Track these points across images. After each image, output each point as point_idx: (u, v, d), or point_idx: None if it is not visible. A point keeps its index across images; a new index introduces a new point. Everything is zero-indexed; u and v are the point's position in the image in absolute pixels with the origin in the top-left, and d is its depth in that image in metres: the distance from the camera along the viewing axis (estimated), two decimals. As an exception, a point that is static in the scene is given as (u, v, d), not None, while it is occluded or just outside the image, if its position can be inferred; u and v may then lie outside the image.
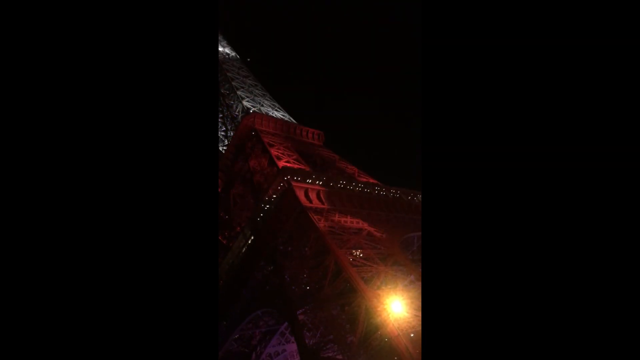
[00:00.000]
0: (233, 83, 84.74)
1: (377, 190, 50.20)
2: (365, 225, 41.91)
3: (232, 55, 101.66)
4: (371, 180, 58.42)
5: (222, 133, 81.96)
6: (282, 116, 77.86)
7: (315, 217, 38.86)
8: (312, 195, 41.83)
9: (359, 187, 48.26)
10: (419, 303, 30.26)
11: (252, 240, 46.66)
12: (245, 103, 77.67)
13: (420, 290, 31.91)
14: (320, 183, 44.38)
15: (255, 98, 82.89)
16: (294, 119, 79.13)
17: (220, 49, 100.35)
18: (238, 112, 77.97)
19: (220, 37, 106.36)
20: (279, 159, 56.24)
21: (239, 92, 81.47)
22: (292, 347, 55.97)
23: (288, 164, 53.29)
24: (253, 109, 75.42)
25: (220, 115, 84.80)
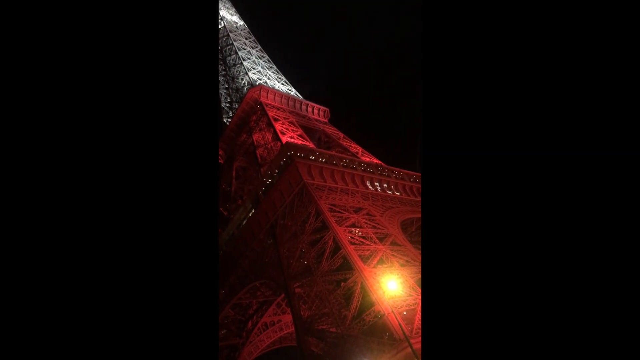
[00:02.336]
0: (239, 53, 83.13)
1: (379, 170, 50.20)
2: (366, 205, 42.20)
3: (240, 25, 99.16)
4: (374, 161, 58.35)
5: (227, 104, 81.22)
6: (288, 90, 76.83)
7: (316, 193, 39.10)
8: (315, 172, 41.92)
9: (362, 166, 48.24)
10: (414, 282, 30.89)
11: (252, 213, 47.15)
12: (251, 75, 76.47)
13: (415, 270, 32.51)
14: (324, 160, 44.36)
15: (262, 70, 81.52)
16: (299, 94, 78.09)
17: (228, 17, 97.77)
18: (244, 83, 76.90)
19: (228, 5, 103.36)
20: (283, 133, 55.99)
21: (245, 64, 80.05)
22: (288, 317, 57.69)
23: (292, 140, 53.08)
24: (259, 81, 74.33)
25: (226, 86, 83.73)
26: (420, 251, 36.96)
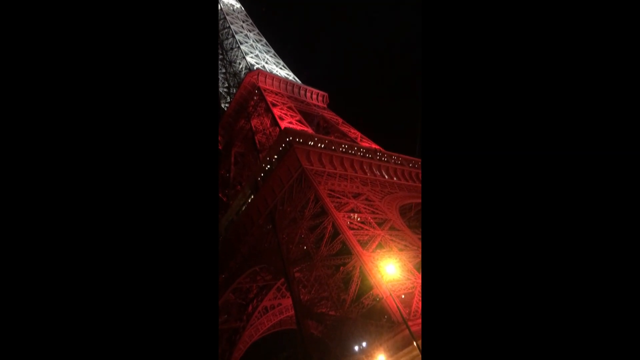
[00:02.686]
0: (237, 37, 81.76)
1: (378, 155, 50.15)
2: (365, 190, 42.32)
3: (237, 7, 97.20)
4: (373, 146, 58.20)
5: (225, 89, 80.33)
6: (286, 75, 75.95)
7: (315, 179, 39.13)
8: (314, 158, 41.86)
9: (361, 151, 48.16)
10: (412, 266, 31.27)
11: (251, 199, 47.27)
12: (248, 59, 75.40)
13: (413, 254, 32.86)
14: (322, 146, 44.23)
15: (259, 54, 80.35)
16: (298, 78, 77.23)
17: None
18: (241, 68, 75.89)
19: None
20: (282, 119, 55.62)
21: (242, 47, 78.82)
22: (287, 301, 58.55)
23: (291, 125, 52.79)
24: (257, 65, 73.37)
25: (223, 71, 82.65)
26: (418, 236, 37.31)
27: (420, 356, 22.10)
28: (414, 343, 22.19)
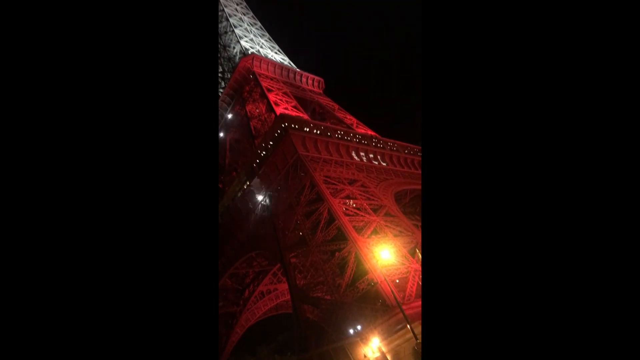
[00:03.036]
0: (231, 20, 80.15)
1: (374, 142, 50.10)
2: (360, 176, 42.42)
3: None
4: (369, 132, 58.06)
5: (219, 74, 79.19)
6: (281, 60, 74.92)
7: (311, 165, 39.11)
8: (309, 144, 41.74)
9: (357, 138, 48.06)
10: (406, 251, 31.69)
11: (247, 185, 47.24)
12: (243, 43, 74.13)
13: (408, 240, 33.26)
14: (318, 132, 44.05)
15: (254, 38, 78.99)
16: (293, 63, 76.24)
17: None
18: (236, 52, 74.67)
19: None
20: (277, 105, 55.12)
21: (237, 31, 77.38)
22: (283, 286, 59.26)
23: (286, 111, 52.38)
24: (251, 50, 72.22)
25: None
26: (413, 222, 37.68)
27: (414, 339, 22.63)
28: (408, 326, 22.68)
